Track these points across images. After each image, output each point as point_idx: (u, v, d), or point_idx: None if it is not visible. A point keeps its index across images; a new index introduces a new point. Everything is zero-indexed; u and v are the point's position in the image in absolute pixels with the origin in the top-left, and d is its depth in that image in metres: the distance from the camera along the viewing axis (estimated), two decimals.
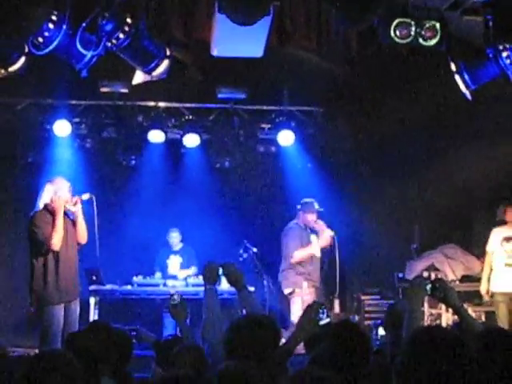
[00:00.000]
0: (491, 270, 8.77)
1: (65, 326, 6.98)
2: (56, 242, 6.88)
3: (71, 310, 7.09)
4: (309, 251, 8.86)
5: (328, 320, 4.17)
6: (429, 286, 4.43)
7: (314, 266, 8.93)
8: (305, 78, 8.95)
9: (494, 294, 8.72)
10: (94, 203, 7.47)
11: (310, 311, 4.17)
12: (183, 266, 10.12)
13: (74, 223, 7.20)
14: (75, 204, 7.16)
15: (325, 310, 4.13)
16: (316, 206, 8.96)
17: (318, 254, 8.97)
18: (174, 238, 10.27)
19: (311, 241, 8.98)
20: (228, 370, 2.94)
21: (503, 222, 8.76)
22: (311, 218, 8.96)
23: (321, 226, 8.97)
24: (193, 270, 9.99)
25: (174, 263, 10.17)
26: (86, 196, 7.40)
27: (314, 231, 9.03)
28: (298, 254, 8.78)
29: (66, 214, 7.14)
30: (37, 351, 6.86)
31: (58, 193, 7.03)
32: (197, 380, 3.05)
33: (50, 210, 7.01)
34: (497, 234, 8.74)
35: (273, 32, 6.70)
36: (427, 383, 2.56)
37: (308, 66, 8.45)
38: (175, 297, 4.79)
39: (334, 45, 7.19)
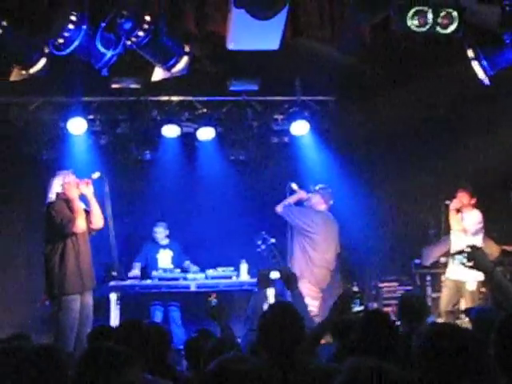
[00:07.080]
0: None
1: (79, 319, 7.05)
2: (79, 223, 7.07)
3: (84, 303, 7.17)
4: None
5: (362, 308, 4.16)
6: (462, 258, 4.12)
7: None
8: (318, 68, 8.93)
9: None
10: (106, 184, 7.57)
11: (344, 300, 4.15)
12: (174, 261, 10.02)
13: (86, 213, 7.30)
14: (87, 184, 7.29)
15: (358, 300, 4.12)
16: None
17: None
18: (160, 233, 10.15)
19: None
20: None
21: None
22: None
23: None
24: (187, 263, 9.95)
25: (163, 257, 10.06)
26: (96, 175, 7.49)
27: None
28: None
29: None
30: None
31: (65, 179, 7.24)
32: None
33: (64, 199, 7.20)
34: None
35: (288, 24, 6.71)
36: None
37: (321, 56, 8.44)
38: (212, 298, 4.62)
39: (348, 34, 7.20)
